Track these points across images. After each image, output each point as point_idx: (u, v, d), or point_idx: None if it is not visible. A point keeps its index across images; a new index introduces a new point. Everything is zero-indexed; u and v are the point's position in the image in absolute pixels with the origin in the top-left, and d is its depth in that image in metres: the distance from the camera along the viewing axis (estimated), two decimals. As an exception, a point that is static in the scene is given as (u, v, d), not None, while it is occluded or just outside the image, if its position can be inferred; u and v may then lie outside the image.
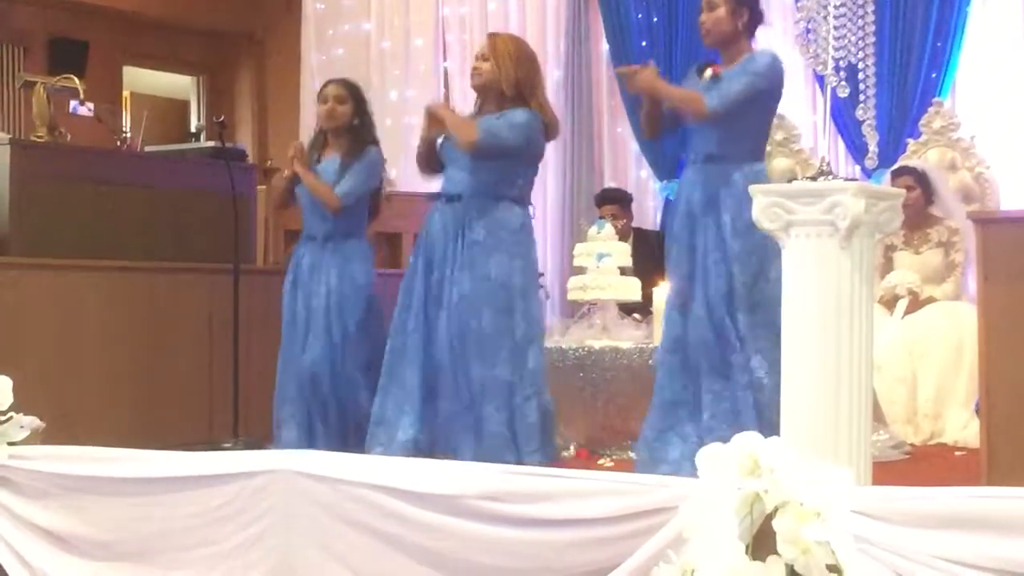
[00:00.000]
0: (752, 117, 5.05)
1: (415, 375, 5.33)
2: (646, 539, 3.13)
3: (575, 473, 3.59)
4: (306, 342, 5.77)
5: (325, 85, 6.08)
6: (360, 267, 5.83)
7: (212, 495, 3.77)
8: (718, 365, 4.93)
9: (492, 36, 5.61)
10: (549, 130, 5.47)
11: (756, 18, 5.10)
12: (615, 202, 8.18)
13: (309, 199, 5.90)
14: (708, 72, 5.06)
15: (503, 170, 5.36)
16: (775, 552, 2.58)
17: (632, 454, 6.03)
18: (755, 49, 5.14)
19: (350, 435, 5.67)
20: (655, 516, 3.15)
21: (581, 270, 6.69)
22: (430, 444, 5.30)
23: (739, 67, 4.99)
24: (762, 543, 2.61)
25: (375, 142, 5.99)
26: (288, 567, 3.66)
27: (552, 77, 8.97)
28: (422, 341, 5.34)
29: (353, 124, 5.93)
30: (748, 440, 2.68)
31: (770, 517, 2.61)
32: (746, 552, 2.61)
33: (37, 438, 4.34)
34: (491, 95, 5.46)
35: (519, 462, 5.10)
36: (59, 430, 4.54)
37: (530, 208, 5.50)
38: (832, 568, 2.57)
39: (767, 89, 5.03)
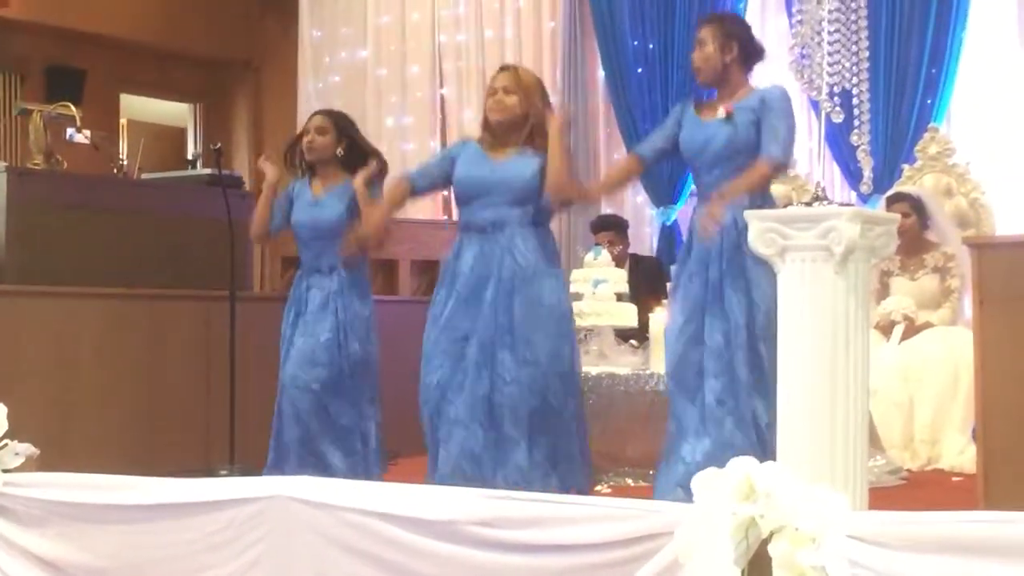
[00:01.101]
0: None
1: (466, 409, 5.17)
2: (642, 564, 3.12)
3: (570, 499, 3.58)
4: (304, 370, 5.70)
5: (311, 117, 5.99)
6: (364, 298, 5.79)
7: (208, 522, 3.76)
8: (724, 398, 4.89)
9: (513, 69, 5.47)
10: None
11: (750, 51, 5.11)
12: (611, 228, 8.18)
13: (310, 231, 5.81)
14: (721, 111, 5.04)
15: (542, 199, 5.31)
16: (771, 577, 2.59)
17: (630, 480, 6.04)
18: (752, 84, 5.13)
19: (359, 466, 5.65)
20: (651, 541, 3.13)
21: (577, 296, 6.68)
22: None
23: (758, 104, 4.97)
24: (758, 568, 2.61)
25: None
26: (284, 594, 3.65)
27: (549, 104, 9.00)
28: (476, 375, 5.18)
29: (337, 154, 5.87)
30: (744, 464, 2.68)
31: (766, 542, 2.61)
32: (742, 577, 2.61)
33: (32, 465, 4.34)
34: (511, 129, 5.33)
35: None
36: (55, 457, 4.53)
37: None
38: (828, 593, 2.58)
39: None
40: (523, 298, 5.16)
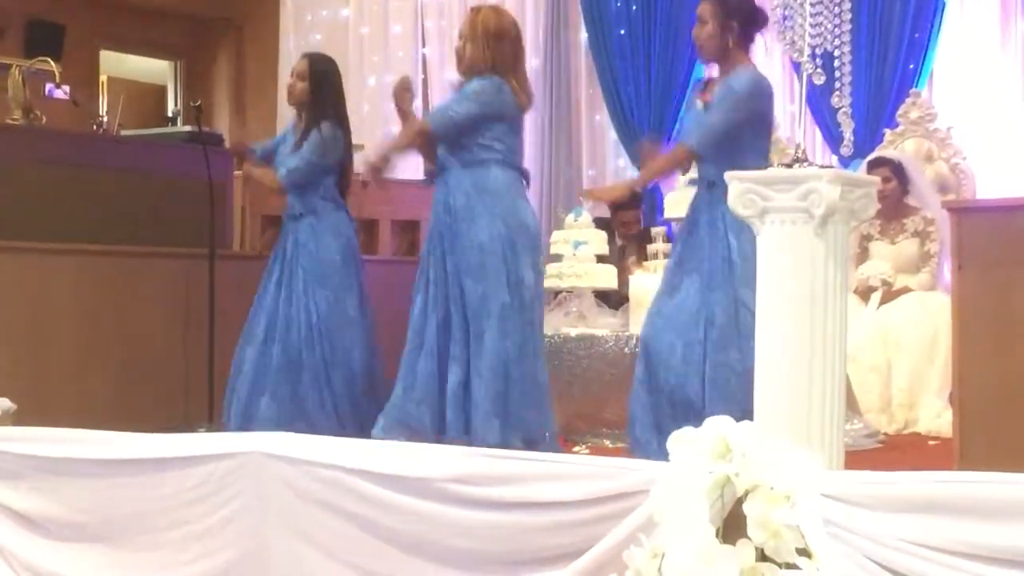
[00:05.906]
0: (746, 140, 4.94)
1: (430, 363, 5.25)
2: (617, 523, 3.13)
3: (546, 456, 3.58)
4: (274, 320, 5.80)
5: (299, 60, 6.05)
6: (332, 243, 5.82)
7: (184, 477, 3.76)
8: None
9: (473, 12, 5.46)
10: (520, 99, 5.37)
11: (750, 28, 5.00)
12: (639, 205, 8.14)
13: (284, 176, 5.93)
14: (699, 104, 5.04)
15: (473, 136, 5.27)
16: (745, 536, 2.59)
17: (608, 442, 6.06)
18: (738, 67, 5.00)
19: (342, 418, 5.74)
20: (626, 500, 3.15)
21: (557, 258, 6.68)
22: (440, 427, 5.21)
23: (719, 93, 4.93)
24: (733, 527, 2.61)
25: (329, 118, 5.89)
26: (259, 549, 3.65)
27: (531, 66, 8.95)
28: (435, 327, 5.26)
29: (306, 101, 5.88)
30: (719, 423, 2.68)
31: (741, 501, 2.61)
32: (716, 536, 2.61)
33: (8, 420, 4.33)
34: (472, 76, 5.33)
35: (503, 437, 5.12)
36: (31, 413, 4.52)
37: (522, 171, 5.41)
38: (802, 552, 2.58)
39: (754, 111, 4.96)
40: (456, 244, 5.23)
